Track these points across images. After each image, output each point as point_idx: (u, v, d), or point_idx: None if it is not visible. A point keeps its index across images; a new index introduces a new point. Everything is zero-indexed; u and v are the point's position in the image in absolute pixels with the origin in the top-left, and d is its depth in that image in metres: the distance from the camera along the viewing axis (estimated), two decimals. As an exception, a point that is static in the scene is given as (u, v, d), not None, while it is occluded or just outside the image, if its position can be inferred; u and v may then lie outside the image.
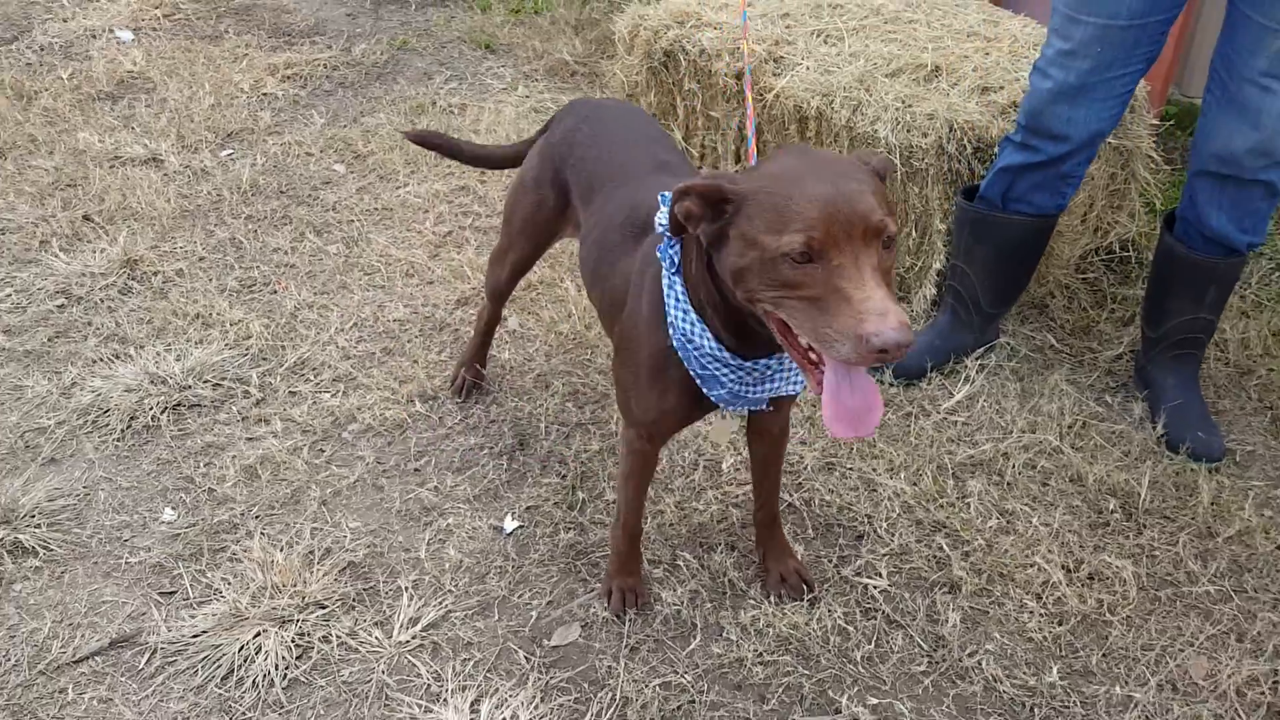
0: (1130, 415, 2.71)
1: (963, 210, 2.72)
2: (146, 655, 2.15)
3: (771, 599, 2.23)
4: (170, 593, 2.28)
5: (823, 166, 1.51)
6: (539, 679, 2.09)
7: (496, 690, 2.06)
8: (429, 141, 2.62)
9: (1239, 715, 2.02)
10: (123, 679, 2.12)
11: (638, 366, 1.87)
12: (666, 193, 1.68)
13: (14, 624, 2.22)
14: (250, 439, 2.64)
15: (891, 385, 2.76)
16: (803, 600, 2.23)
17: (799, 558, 2.29)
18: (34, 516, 2.42)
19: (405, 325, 3.03)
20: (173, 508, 2.47)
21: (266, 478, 2.53)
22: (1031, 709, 2.04)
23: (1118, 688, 2.08)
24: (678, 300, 1.72)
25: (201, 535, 2.39)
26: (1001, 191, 2.63)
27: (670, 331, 1.76)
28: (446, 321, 3.05)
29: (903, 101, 2.92)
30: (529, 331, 3.02)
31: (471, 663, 2.12)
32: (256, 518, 2.43)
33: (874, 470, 2.52)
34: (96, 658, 2.16)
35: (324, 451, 2.61)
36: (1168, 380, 2.67)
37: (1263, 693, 2.06)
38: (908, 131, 2.86)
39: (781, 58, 3.18)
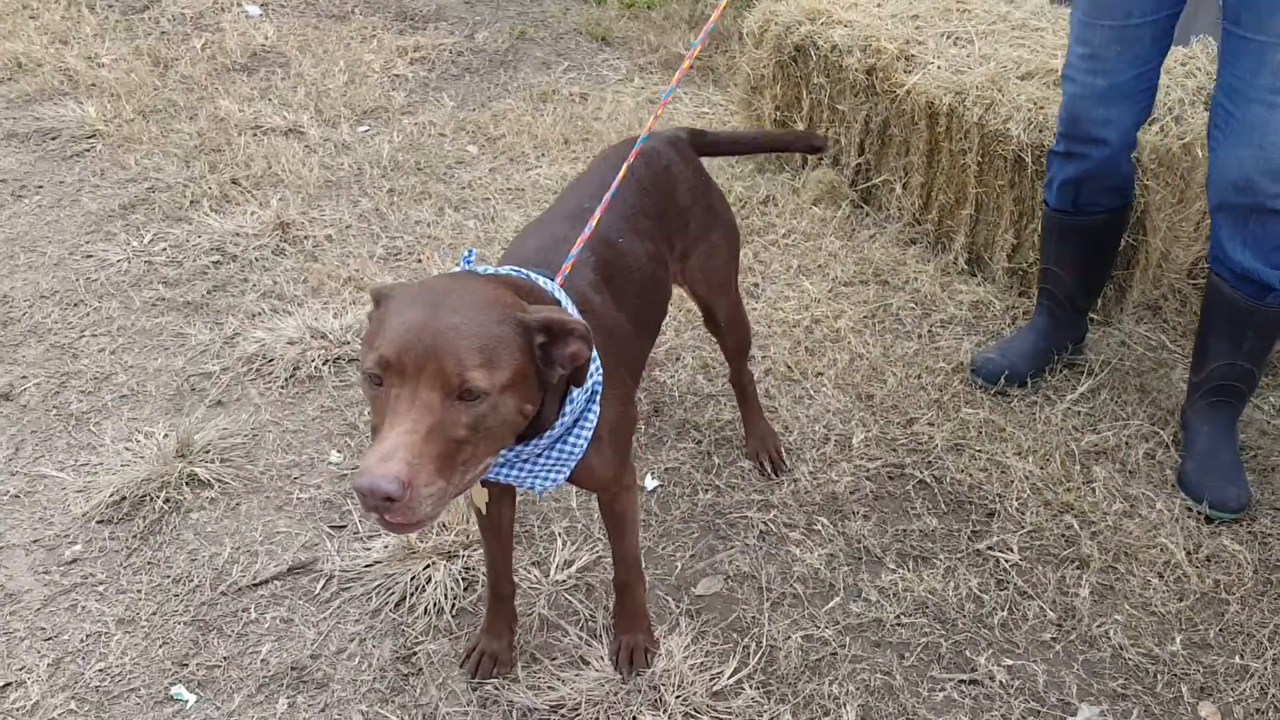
0: (1242, 416, 2.79)
1: (1048, 217, 2.79)
2: (323, 581, 2.32)
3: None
4: (340, 527, 2.44)
5: (440, 295, 1.40)
6: (690, 624, 2.22)
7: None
8: None
9: (1357, 697, 2.12)
10: (301, 602, 2.28)
11: None
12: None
13: (194, 549, 2.39)
14: (407, 391, 2.80)
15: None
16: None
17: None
18: (208, 452, 2.60)
19: (542, 296, 3.18)
20: (338, 451, 2.64)
21: (425, 427, 2.68)
22: (1155, 675, 2.15)
23: (1236, 659, 2.18)
24: None
25: (367, 477, 2.55)
26: (1071, 200, 2.71)
27: None
28: (580, 294, 3.19)
29: (1034, 103, 3.03)
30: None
31: (626, 605, 2.26)
32: (418, 463, 2.58)
33: (1003, 453, 2.63)
34: (275, 582, 2.32)
35: (475, 407, 2.76)
36: (1202, 428, 2.62)
37: (1378, 679, 2.15)
38: (1040, 131, 2.96)
39: (912, 56, 3.30)
